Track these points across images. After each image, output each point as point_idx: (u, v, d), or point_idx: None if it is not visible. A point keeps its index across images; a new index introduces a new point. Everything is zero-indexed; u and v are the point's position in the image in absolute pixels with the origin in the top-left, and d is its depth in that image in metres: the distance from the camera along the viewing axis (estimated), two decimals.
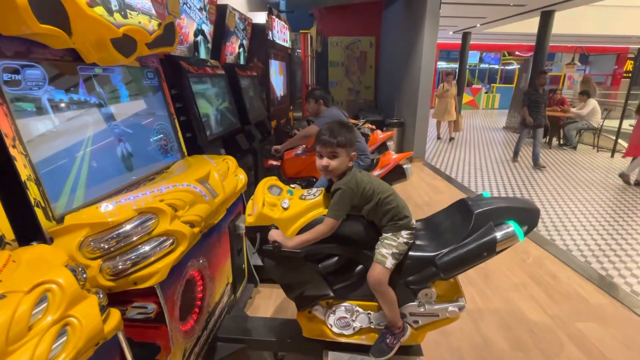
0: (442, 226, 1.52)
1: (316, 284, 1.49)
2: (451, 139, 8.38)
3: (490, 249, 1.33)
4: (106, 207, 1.21)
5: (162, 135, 1.86)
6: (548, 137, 8.01)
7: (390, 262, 1.38)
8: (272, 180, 1.61)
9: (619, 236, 3.41)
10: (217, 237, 1.77)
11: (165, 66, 2.01)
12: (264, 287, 2.42)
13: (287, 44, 4.90)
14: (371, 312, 1.51)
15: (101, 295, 0.95)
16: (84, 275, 0.95)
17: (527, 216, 1.39)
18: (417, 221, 1.54)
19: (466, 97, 15.39)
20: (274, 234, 1.35)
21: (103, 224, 1.15)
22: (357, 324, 1.53)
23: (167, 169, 1.78)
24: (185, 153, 2.03)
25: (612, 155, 6.73)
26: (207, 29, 2.66)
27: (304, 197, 1.48)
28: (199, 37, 2.56)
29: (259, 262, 2.51)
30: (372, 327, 1.53)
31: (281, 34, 4.53)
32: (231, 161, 1.96)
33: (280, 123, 4.59)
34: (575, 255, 3.03)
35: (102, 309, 0.94)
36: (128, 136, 1.59)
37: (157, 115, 1.87)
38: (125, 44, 1.42)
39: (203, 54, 2.65)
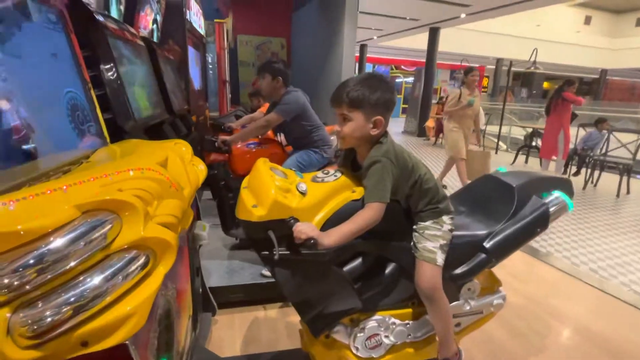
0: (475, 205, 1.30)
1: (344, 295, 1.11)
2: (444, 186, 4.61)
3: (543, 223, 1.17)
4: (8, 206, 0.64)
5: (74, 109, 1.24)
6: (435, 139, 8.98)
7: (440, 258, 1.09)
8: (267, 160, 1.17)
9: None
10: (180, 252, 1.23)
11: (72, 14, 1.37)
12: (222, 315, 1.88)
13: (202, 32, 4.31)
14: (409, 322, 1.20)
15: None
16: None
17: (564, 185, 1.28)
18: None
19: None
20: (305, 229, 0.92)
21: (9, 237, 0.59)
22: (390, 340, 1.20)
23: (87, 159, 1.18)
24: (108, 139, 1.41)
25: (496, 152, 7.83)
26: None
27: (320, 179, 1.10)
28: None
29: (218, 283, 1.97)
30: (408, 340, 1.22)
31: (197, 18, 3.93)
32: (185, 147, 1.43)
33: (200, 120, 3.96)
34: None
35: None
36: (19, 102, 0.98)
37: (64, 79, 1.24)
38: None
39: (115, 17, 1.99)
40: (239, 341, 1.74)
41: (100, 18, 1.57)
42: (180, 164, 1.17)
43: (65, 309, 0.62)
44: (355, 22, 5.61)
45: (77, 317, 0.63)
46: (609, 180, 5.18)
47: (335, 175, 1.10)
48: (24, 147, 0.95)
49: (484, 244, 1.16)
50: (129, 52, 1.89)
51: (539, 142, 6.09)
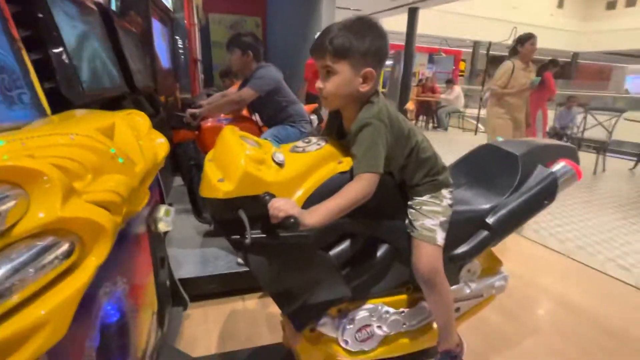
0: (476, 177, 1.17)
1: (330, 283, 0.96)
2: None
3: (551, 195, 1.07)
4: None
5: None
6: (415, 121, 8.94)
7: (441, 237, 0.97)
8: (235, 129, 0.99)
9: None
10: (135, 240, 1.04)
11: None
12: (195, 309, 1.71)
13: (169, 5, 3.97)
14: (404, 309, 1.07)
15: None
16: None
17: (570, 153, 1.17)
18: None
19: None
20: (283, 206, 0.76)
21: None
22: (383, 331, 1.06)
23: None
24: (49, 112, 1.19)
25: (476, 134, 7.85)
26: None
27: (300, 149, 0.93)
28: None
29: (190, 274, 1.78)
30: (403, 330, 1.09)
31: None
32: (141, 117, 1.22)
33: (169, 101, 3.68)
34: None
35: None
36: None
37: None
38: None
39: None
40: (214, 337, 1.57)
41: None
42: (131, 134, 0.98)
43: None
44: (333, 1, 5.38)
45: None
46: (585, 159, 5.28)
47: (319, 144, 0.94)
48: None
49: (487, 219, 1.03)
50: (76, 14, 1.63)
51: None
